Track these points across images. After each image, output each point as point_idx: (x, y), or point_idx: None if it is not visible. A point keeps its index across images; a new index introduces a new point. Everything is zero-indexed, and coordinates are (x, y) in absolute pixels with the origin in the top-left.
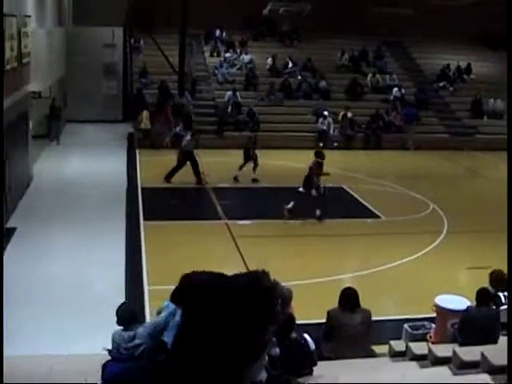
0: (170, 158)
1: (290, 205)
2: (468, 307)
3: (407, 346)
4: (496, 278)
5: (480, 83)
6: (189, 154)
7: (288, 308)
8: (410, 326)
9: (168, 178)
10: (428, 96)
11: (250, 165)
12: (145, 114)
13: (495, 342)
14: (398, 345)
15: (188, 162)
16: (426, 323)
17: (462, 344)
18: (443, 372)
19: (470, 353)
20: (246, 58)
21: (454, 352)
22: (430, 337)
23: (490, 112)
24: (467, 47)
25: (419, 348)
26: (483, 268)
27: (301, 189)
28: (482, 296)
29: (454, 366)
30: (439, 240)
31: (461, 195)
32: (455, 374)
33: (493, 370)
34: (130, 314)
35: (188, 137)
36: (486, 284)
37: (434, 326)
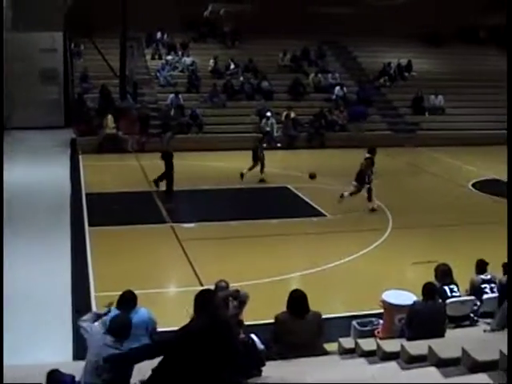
0: (114, 163)
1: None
2: (414, 302)
3: (356, 343)
4: (441, 272)
5: (421, 80)
6: (170, 156)
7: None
8: (358, 323)
9: (167, 187)
10: (370, 94)
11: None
12: (109, 118)
13: (442, 335)
14: (347, 342)
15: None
16: (373, 319)
17: (409, 338)
18: (391, 367)
19: (417, 347)
20: (187, 60)
21: (402, 347)
22: (378, 332)
23: (431, 108)
24: (407, 45)
25: (368, 344)
26: (428, 262)
27: (346, 193)
28: (428, 290)
29: (402, 360)
30: (384, 236)
31: (405, 191)
32: (403, 369)
33: (440, 363)
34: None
35: (168, 136)
36: (431, 278)
37: (381, 321)
